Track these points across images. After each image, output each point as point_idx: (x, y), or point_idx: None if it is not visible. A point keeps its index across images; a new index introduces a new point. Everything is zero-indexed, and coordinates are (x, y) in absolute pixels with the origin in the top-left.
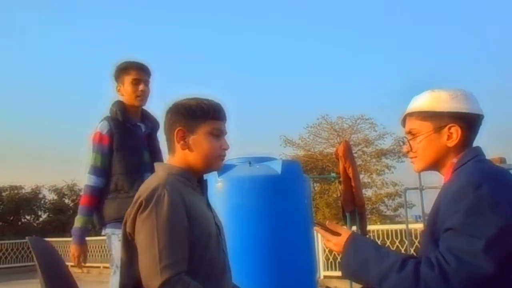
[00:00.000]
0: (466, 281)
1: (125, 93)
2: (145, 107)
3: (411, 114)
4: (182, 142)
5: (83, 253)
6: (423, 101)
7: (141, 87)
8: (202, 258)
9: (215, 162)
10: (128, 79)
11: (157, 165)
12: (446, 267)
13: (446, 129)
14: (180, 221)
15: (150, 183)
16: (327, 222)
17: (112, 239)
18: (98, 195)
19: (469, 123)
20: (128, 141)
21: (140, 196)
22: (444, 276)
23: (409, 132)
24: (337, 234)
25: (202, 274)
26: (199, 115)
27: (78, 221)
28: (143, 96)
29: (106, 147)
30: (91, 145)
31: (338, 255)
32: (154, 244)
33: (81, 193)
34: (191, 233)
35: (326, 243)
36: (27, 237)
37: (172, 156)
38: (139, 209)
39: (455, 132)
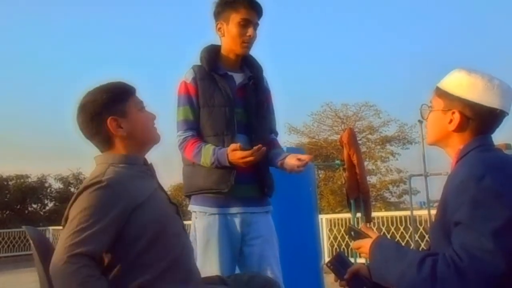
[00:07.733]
0: (480, 278)
1: (227, 34)
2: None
3: (436, 87)
4: (119, 129)
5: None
6: (447, 78)
7: (249, 31)
8: (155, 244)
9: (154, 134)
10: (235, 17)
11: (96, 159)
12: (460, 264)
13: (450, 112)
14: (113, 208)
15: (91, 176)
16: (361, 225)
17: (192, 217)
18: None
19: (478, 114)
20: (215, 95)
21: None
22: (459, 274)
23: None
24: (368, 236)
25: (159, 270)
26: (123, 96)
27: (205, 158)
28: (250, 42)
29: (194, 98)
30: (176, 101)
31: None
32: (73, 223)
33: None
34: (139, 220)
35: (354, 246)
36: (23, 227)
37: (111, 149)
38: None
39: (456, 119)
